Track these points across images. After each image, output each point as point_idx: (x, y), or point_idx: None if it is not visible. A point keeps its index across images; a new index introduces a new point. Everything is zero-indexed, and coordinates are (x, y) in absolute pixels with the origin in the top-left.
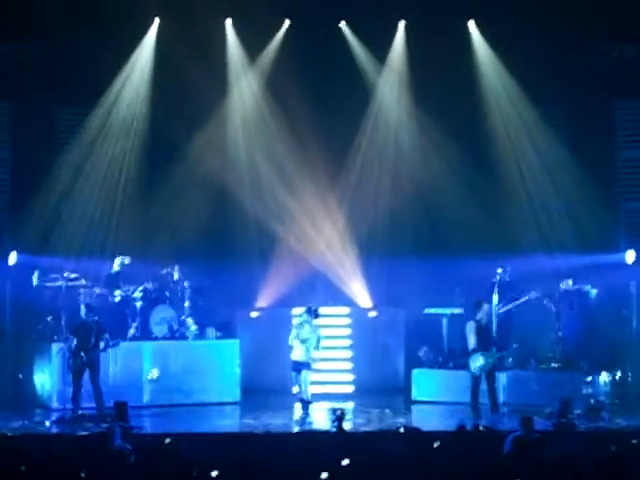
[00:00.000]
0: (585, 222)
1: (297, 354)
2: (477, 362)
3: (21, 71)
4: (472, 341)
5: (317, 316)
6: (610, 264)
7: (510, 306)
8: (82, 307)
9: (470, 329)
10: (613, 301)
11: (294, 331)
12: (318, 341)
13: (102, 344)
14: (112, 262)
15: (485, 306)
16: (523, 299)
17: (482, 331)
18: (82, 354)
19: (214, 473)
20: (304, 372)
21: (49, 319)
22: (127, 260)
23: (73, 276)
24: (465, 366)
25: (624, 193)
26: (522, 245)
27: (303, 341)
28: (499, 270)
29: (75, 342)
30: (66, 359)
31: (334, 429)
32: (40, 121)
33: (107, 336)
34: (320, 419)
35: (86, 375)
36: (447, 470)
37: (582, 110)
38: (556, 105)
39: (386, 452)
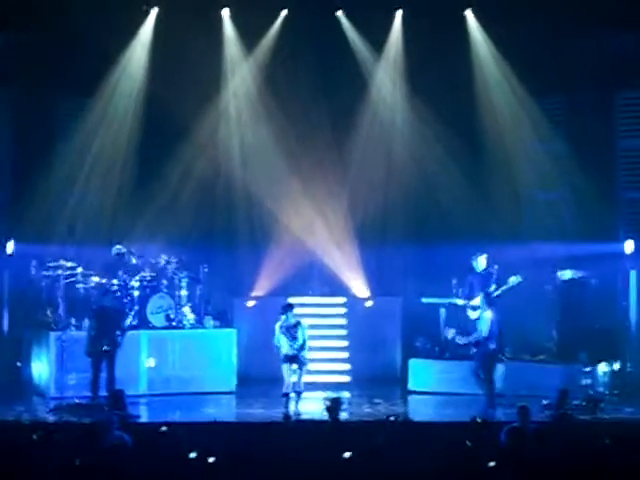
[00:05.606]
0: (584, 211)
1: (289, 349)
2: None
3: (22, 60)
4: None
5: (291, 307)
6: (609, 254)
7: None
8: (100, 293)
9: None
10: (611, 291)
11: (280, 334)
12: (304, 331)
13: (119, 332)
14: (110, 250)
15: None
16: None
17: None
18: (104, 341)
19: (211, 459)
20: (301, 366)
21: (48, 308)
22: (123, 249)
23: (70, 265)
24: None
25: (624, 183)
26: (520, 234)
27: (293, 338)
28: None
29: (95, 328)
30: (85, 345)
31: (327, 419)
32: (41, 109)
33: (125, 322)
34: (316, 409)
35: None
36: (439, 461)
37: (582, 99)
38: (556, 94)
39: (377, 442)
